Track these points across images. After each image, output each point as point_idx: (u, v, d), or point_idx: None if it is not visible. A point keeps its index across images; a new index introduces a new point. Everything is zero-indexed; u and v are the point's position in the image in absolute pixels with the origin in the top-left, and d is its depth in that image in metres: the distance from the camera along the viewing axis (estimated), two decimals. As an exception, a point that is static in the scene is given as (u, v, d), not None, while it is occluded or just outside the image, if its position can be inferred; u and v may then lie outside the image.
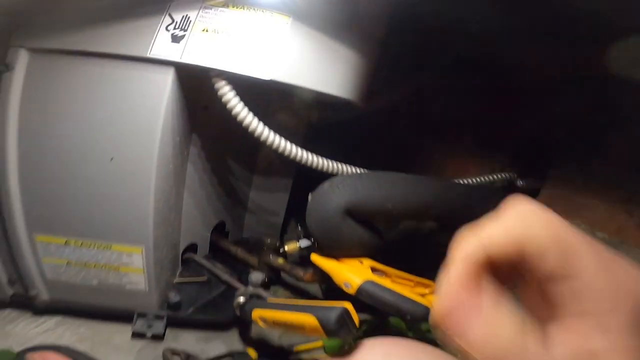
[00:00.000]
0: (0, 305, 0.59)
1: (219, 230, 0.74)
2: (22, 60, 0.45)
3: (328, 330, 0.41)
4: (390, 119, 0.92)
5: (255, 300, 0.55)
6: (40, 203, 0.48)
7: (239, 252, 0.73)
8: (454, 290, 0.19)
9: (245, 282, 0.66)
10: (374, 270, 0.58)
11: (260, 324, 0.51)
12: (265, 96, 0.58)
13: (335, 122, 0.75)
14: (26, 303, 0.57)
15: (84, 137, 0.46)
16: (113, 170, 0.47)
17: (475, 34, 0.65)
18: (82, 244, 0.50)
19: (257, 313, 0.51)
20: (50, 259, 0.51)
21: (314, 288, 0.78)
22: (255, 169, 0.76)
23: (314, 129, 0.73)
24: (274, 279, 0.73)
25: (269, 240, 0.69)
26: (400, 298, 0.55)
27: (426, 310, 0.54)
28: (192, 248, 0.69)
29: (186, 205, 0.61)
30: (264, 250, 0.69)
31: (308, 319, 0.43)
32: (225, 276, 0.67)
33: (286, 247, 0.71)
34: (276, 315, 0.48)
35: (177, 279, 0.65)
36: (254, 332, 0.66)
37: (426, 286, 0.62)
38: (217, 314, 0.62)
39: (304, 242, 0.72)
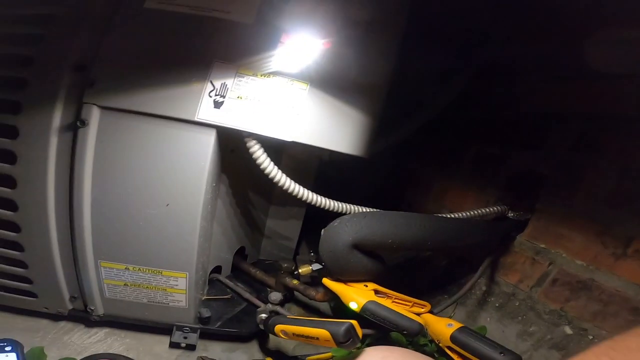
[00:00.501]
0: (58, 317, 0.71)
1: (239, 253, 0.87)
2: (94, 117, 0.56)
3: (338, 341, 0.53)
4: (393, 153, 1.03)
5: (276, 316, 0.67)
6: (106, 236, 0.60)
7: (258, 273, 0.85)
8: None
9: (263, 299, 0.78)
10: (377, 292, 0.70)
11: (281, 335, 0.63)
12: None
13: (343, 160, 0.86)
14: (82, 317, 0.69)
15: (144, 185, 0.58)
16: (168, 213, 0.59)
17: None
18: (139, 269, 0.62)
19: (279, 327, 0.63)
20: (111, 280, 0.64)
21: (324, 306, 0.90)
22: (271, 200, 0.89)
23: (324, 163, 0.86)
24: (288, 297, 0.85)
25: (285, 265, 0.81)
26: (398, 316, 0.66)
27: (420, 327, 0.66)
28: (217, 269, 0.82)
29: (215, 234, 0.73)
30: (281, 273, 0.82)
31: (321, 332, 0.55)
32: (247, 294, 0.79)
33: (300, 270, 0.83)
34: (295, 329, 0.60)
35: (205, 297, 0.77)
36: (271, 344, 0.78)
37: (422, 306, 0.73)
38: (241, 327, 0.74)
39: (316, 266, 0.84)
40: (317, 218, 0.86)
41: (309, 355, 0.74)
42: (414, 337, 0.67)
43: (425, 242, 0.68)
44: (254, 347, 0.77)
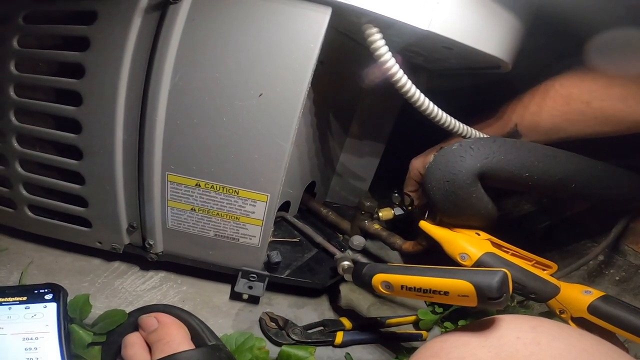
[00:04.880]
0: (112, 256, 0.63)
1: (308, 190, 0.77)
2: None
3: (487, 297, 0.42)
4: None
5: (371, 264, 0.57)
6: (180, 139, 0.50)
7: (330, 215, 0.75)
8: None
9: (336, 246, 0.69)
10: (492, 244, 0.60)
11: (381, 289, 0.53)
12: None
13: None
14: (138, 256, 0.60)
15: (237, 70, 0.48)
16: (260, 106, 0.49)
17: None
18: (211, 187, 0.53)
19: (380, 278, 0.53)
20: (177, 203, 0.54)
21: (395, 257, 0.81)
22: (349, 131, 0.78)
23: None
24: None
25: (367, 204, 0.70)
26: (527, 274, 0.56)
27: (557, 291, 0.56)
28: (283, 207, 0.72)
29: (291, 159, 0.63)
30: (360, 213, 0.71)
31: (457, 285, 0.44)
32: (320, 239, 0.69)
33: (380, 214, 0.73)
34: (410, 280, 0.49)
35: (271, 238, 0.67)
36: (343, 301, 0.69)
37: (545, 267, 0.63)
38: (314, 278, 0.64)
39: (398, 211, 0.74)
40: (400, 159, 0.77)
41: (388, 317, 0.66)
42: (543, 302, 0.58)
43: (569, 183, 0.57)
44: (324, 304, 0.68)
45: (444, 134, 0.64)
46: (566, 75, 0.61)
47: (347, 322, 0.63)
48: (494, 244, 0.60)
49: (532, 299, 0.57)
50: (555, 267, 0.64)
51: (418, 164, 0.73)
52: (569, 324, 0.57)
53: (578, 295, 0.56)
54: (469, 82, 0.82)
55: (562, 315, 0.58)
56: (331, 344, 0.60)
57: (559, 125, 0.61)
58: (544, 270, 0.63)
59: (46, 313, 0.48)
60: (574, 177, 0.57)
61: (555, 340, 0.40)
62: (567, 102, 0.60)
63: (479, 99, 0.77)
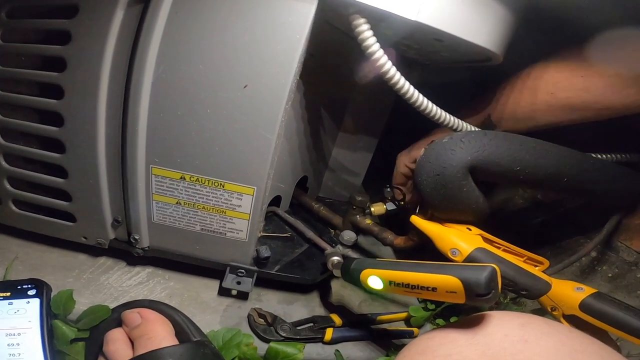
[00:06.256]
0: (97, 252, 0.62)
1: (300, 185, 0.76)
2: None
3: (475, 293, 0.41)
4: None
5: (360, 259, 0.56)
6: (164, 131, 0.49)
7: (322, 210, 0.74)
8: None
9: (328, 241, 0.68)
10: (483, 239, 0.59)
11: (369, 285, 0.52)
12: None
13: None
14: (123, 251, 0.60)
15: (222, 62, 0.47)
16: (245, 98, 0.48)
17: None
18: (196, 179, 0.52)
19: (368, 273, 0.52)
20: (161, 196, 0.53)
21: (387, 252, 0.80)
22: (341, 126, 0.77)
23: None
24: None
25: (359, 198, 0.69)
26: (518, 270, 0.55)
27: (548, 288, 0.55)
28: (274, 202, 0.71)
29: (281, 152, 0.61)
30: (352, 208, 0.70)
31: (446, 280, 0.43)
32: (310, 234, 0.68)
33: (372, 209, 0.72)
34: (398, 276, 0.49)
35: (261, 233, 0.66)
36: (334, 297, 0.68)
37: (537, 263, 0.62)
38: (304, 273, 0.63)
39: (390, 206, 0.73)
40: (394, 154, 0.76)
41: (379, 314, 0.65)
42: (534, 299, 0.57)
43: (560, 177, 0.56)
44: (314, 301, 0.67)
45: (437, 128, 0.64)
46: (534, 67, 0.62)
47: (337, 319, 0.62)
48: (485, 240, 0.59)
49: (523, 295, 0.56)
50: (547, 263, 0.63)
51: (405, 158, 0.73)
52: (560, 321, 0.56)
53: (570, 292, 0.55)
54: (463, 76, 0.81)
55: (554, 313, 0.57)
56: (320, 340, 0.59)
57: (528, 115, 0.63)
58: (535, 266, 0.62)
59: (29, 309, 0.48)
60: (566, 172, 0.56)
61: (544, 337, 0.39)
62: (533, 94, 0.61)
63: (473, 92, 0.76)
